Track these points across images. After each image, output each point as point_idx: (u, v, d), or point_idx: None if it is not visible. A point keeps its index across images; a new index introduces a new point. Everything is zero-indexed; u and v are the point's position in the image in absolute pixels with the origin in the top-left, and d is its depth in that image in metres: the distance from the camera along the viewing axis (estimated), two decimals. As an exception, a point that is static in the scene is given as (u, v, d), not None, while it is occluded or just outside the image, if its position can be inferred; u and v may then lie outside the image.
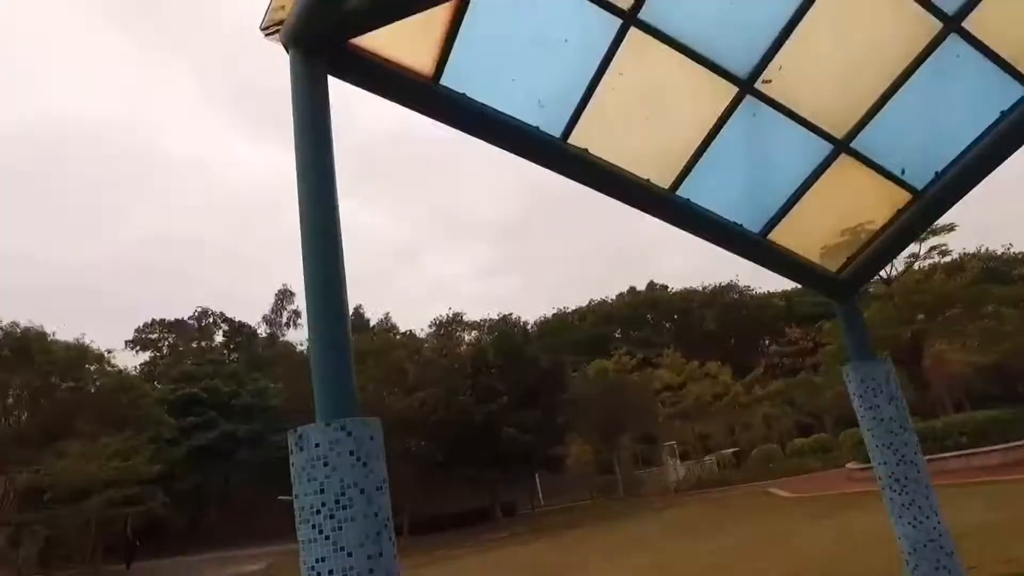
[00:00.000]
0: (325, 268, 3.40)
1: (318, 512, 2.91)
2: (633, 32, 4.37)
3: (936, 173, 5.34)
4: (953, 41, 4.62)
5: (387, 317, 51.84)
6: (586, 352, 56.87)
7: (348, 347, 3.31)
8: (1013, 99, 4.94)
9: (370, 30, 3.99)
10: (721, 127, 4.95)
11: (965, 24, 4.52)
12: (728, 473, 37.26)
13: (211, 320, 70.43)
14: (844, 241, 5.85)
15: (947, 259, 28.90)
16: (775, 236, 5.67)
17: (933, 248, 27.30)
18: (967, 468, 18.51)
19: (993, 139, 5.07)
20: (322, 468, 2.95)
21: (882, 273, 25.40)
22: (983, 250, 38.20)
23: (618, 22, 4.31)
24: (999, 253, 45.11)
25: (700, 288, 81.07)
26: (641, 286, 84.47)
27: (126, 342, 66.45)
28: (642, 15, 4.29)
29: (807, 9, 4.36)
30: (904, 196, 5.48)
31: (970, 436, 19.69)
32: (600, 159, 4.94)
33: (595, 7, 4.22)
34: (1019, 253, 45.72)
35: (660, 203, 5.29)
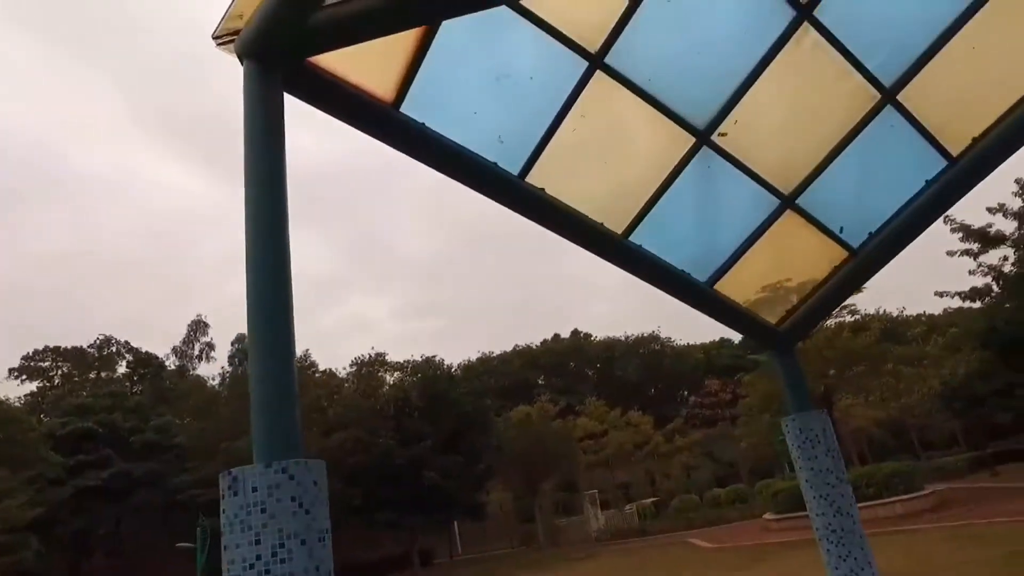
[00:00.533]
0: (273, 295, 3.13)
1: (251, 567, 2.58)
2: (599, 75, 4.39)
3: (870, 233, 5.60)
4: (889, 112, 4.90)
5: (306, 354, 49.91)
6: (510, 397, 56.63)
7: (293, 382, 3.02)
8: (936, 170, 5.27)
9: (331, 49, 3.83)
10: (677, 176, 5.02)
11: (900, 96, 4.81)
12: (648, 523, 37.43)
13: (114, 349, 65.80)
14: (785, 294, 6.02)
15: (853, 318, 30.78)
16: (720, 286, 5.76)
17: (843, 307, 28.98)
18: (874, 518, 19.29)
19: (919, 205, 5.37)
20: (259, 515, 2.63)
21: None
22: (881, 311, 40.96)
23: (585, 64, 4.33)
24: (894, 315, 48.57)
25: (623, 337, 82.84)
26: (565, 333, 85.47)
27: (10, 370, 60.86)
28: (609, 59, 4.32)
29: (764, 68, 4.53)
30: (841, 253, 5.70)
31: (876, 487, 20.60)
32: (556, 200, 4.89)
33: (563, 48, 4.22)
34: (911, 316, 49.30)
35: (612, 247, 5.28)
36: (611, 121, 4.74)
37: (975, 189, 5.38)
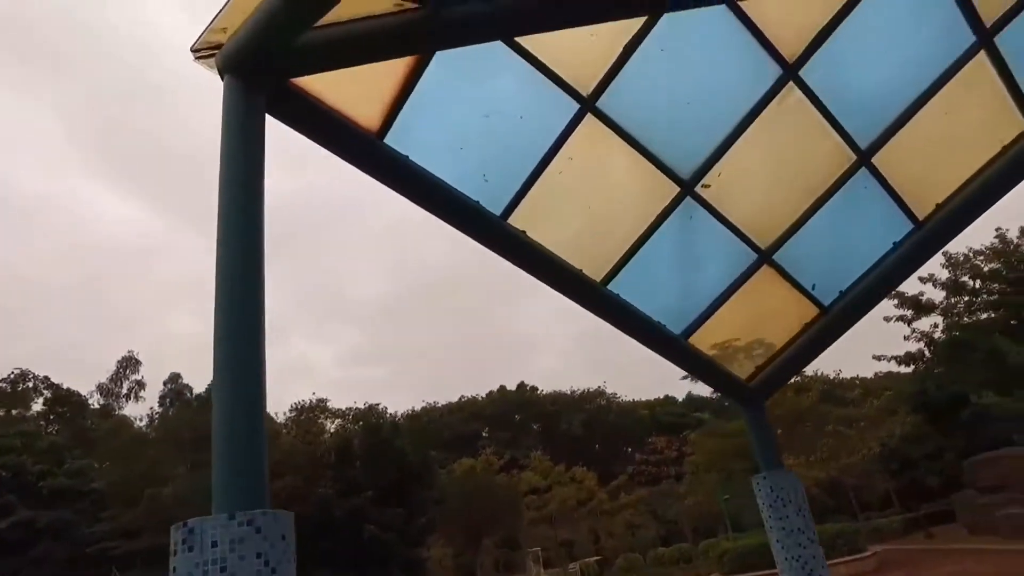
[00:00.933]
0: (245, 331, 2.85)
1: (206, 637, 2.22)
2: (589, 119, 4.35)
3: (840, 292, 5.67)
4: (863, 174, 5.02)
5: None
6: (454, 449, 55.29)
7: (262, 423, 2.71)
8: (903, 233, 5.41)
9: (319, 71, 3.67)
10: (659, 225, 4.98)
11: (874, 159, 4.94)
12: (591, 582, 36.50)
13: (31, 384, 61.46)
14: (757, 350, 6.00)
15: (795, 379, 31.54)
16: (695, 339, 5.70)
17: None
18: (818, 582, 19.26)
19: (887, 266, 5.48)
20: (217, 575, 2.29)
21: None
22: (819, 373, 42.25)
23: (576, 107, 4.28)
24: (831, 377, 50.10)
25: (569, 392, 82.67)
26: (512, 385, 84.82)
27: (-98, 407, 55.87)
28: (600, 103, 4.29)
29: (749, 123, 4.58)
30: (812, 311, 5.74)
31: (823, 547, 20.65)
32: (537, 243, 4.77)
33: (556, 88, 4.17)
34: (847, 379, 50.98)
35: (590, 295, 5.16)
36: (598, 166, 4.69)
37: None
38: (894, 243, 5.44)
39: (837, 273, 5.60)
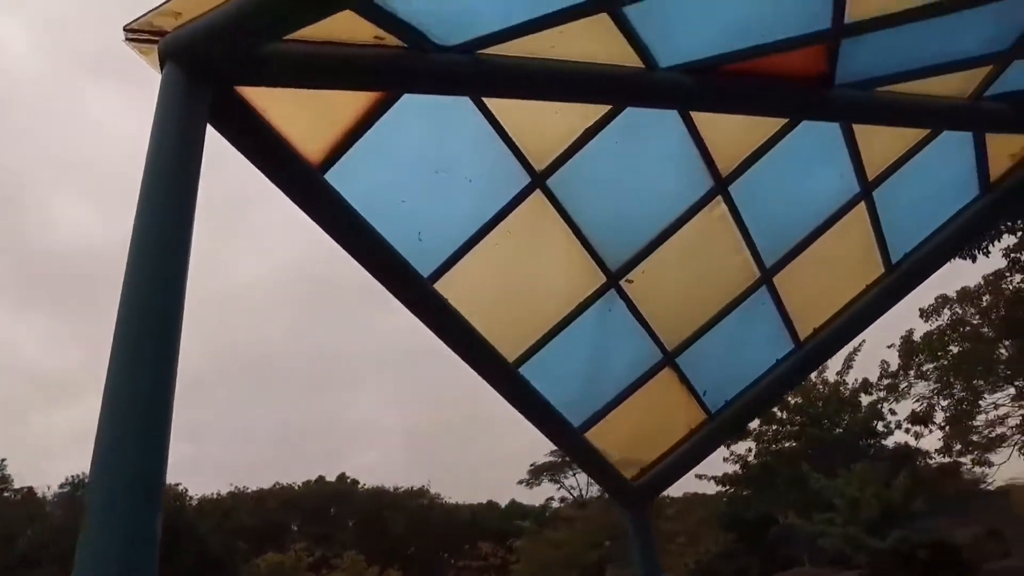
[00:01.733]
0: (150, 381, 2.29)
1: None
2: (537, 195, 4.29)
3: (726, 400, 5.92)
4: (763, 291, 5.41)
5: (1, 464, 39.71)
6: (262, 540, 49.84)
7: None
8: (785, 351, 5.84)
9: (275, 85, 3.31)
10: (580, 313, 4.94)
11: (775, 279, 5.35)
12: None
13: None
14: (645, 450, 6.02)
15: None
16: (592, 433, 5.60)
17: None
18: None
19: (769, 381, 5.85)
20: None
21: (578, 494, 27.30)
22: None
23: (527, 180, 4.22)
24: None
25: (391, 489, 78.85)
26: (332, 476, 79.33)
27: None
28: (551, 181, 4.26)
29: (679, 228, 4.78)
30: (700, 416, 5.91)
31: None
32: (459, 313, 4.52)
33: (512, 158, 4.09)
34: (666, 496, 53.75)
35: (500, 375, 4.94)
36: (534, 244, 4.61)
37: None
38: (777, 360, 5.83)
39: (726, 382, 5.86)
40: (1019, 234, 17.54)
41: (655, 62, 3.85)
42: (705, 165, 4.55)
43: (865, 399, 26.63)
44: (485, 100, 3.81)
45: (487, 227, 4.33)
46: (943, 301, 23.57)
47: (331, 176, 3.72)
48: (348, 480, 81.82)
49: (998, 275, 21.62)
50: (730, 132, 4.41)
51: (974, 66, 4.32)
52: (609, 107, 4.05)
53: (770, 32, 3.65)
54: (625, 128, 4.19)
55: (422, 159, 4.03)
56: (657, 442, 6.01)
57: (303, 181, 3.65)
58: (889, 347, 25.70)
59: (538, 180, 4.24)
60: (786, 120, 4.44)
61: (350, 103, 3.58)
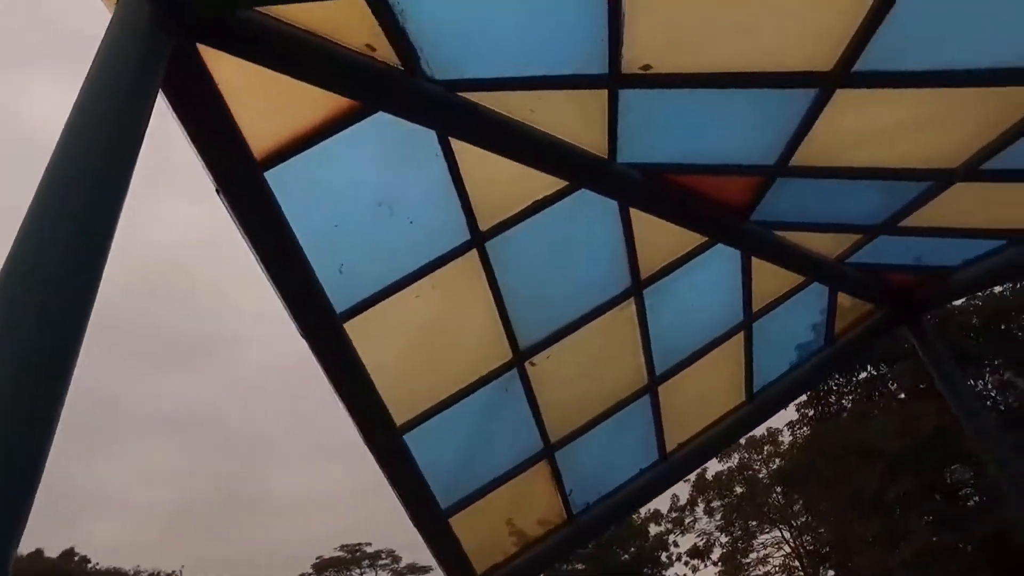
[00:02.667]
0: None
1: None
2: (472, 254, 4.13)
3: (588, 503, 5.85)
4: (647, 399, 5.57)
5: None
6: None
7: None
8: (650, 461, 5.99)
9: (243, 56, 2.93)
10: (478, 387, 4.70)
11: (660, 388, 5.55)
12: None
13: None
14: (500, 545, 5.69)
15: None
16: (456, 519, 5.20)
17: None
18: None
19: (631, 490, 5.91)
20: None
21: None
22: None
23: (467, 237, 4.05)
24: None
25: (131, 571, 67.38)
26: (55, 550, 66.20)
27: None
28: (490, 244, 4.13)
29: (590, 320, 4.82)
30: (561, 517, 5.76)
31: None
32: (359, 359, 4.10)
33: (459, 210, 3.93)
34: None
35: (382, 437, 4.50)
36: (455, 305, 4.38)
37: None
38: (640, 469, 5.94)
39: (592, 485, 5.82)
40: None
41: (616, 153, 4.00)
42: (628, 264, 4.72)
43: (654, 529, 28.15)
44: (452, 144, 3.66)
45: (414, 276, 4.05)
46: (736, 445, 26.29)
47: (271, 176, 3.30)
48: (77, 557, 68.98)
49: (790, 425, 24.72)
50: (658, 238, 4.64)
51: (852, 232, 5.02)
52: (563, 185, 4.09)
53: (725, 155, 3.98)
54: (571, 209, 4.24)
55: (368, 187, 3.73)
56: (514, 539, 5.73)
57: (239, 170, 3.19)
58: (685, 480, 27.76)
59: (478, 240, 4.09)
60: (706, 239, 4.79)
61: (315, 105, 3.25)
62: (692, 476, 27.69)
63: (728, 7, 2.80)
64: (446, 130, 3.56)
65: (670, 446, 5.93)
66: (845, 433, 20.74)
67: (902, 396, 20.65)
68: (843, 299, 5.92)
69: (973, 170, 3.79)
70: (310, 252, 3.59)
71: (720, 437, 6.14)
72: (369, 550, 39.11)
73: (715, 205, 4.53)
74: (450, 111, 3.44)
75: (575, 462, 5.56)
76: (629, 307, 4.94)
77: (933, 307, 5.87)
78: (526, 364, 4.79)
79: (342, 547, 38.88)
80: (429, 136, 3.61)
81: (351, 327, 3.96)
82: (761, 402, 6.12)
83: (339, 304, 3.86)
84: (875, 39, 2.74)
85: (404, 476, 4.65)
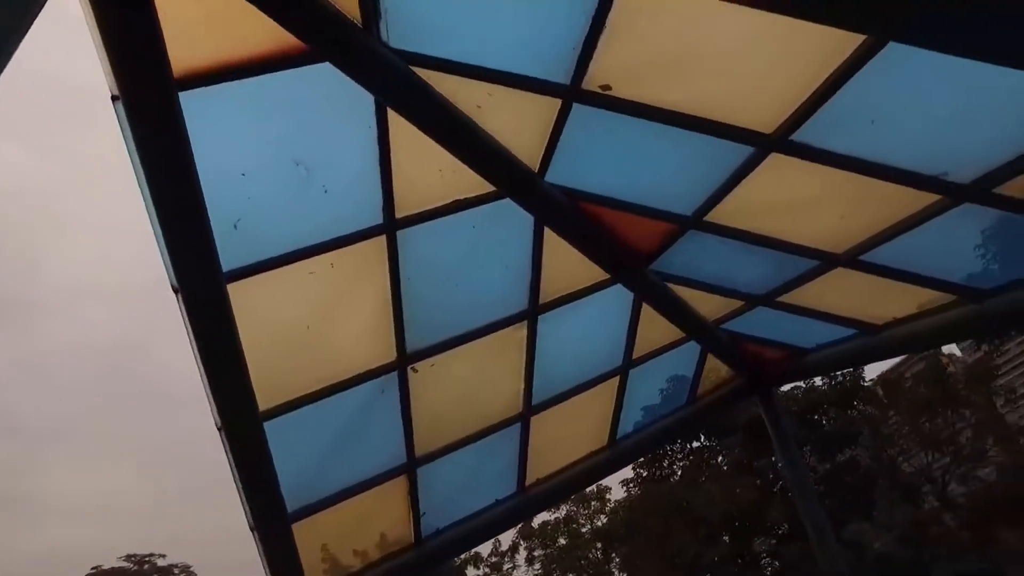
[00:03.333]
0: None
1: None
2: (380, 240, 3.90)
3: (437, 528, 5.62)
4: (518, 427, 5.50)
5: None
6: None
7: None
8: (507, 493, 5.89)
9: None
10: (353, 384, 4.39)
11: (533, 418, 5.50)
12: None
13: None
14: (341, 560, 5.27)
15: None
16: (300, 526, 4.75)
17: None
18: None
19: (484, 519, 5.76)
20: None
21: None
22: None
23: (379, 221, 3.82)
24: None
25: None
26: None
27: None
28: (401, 233, 3.93)
29: (484, 334, 4.71)
30: (409, 538, 5.47)
31: None
32: (235, 328, 3.67)
33: (379, 189, 3.71)
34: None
35: (240, 419, 4.01)
36: (350, 290, 4.09)
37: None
38: (496, 499, 5.82)
39: (447, 509, 5.60)
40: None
41: (547, 170, 4.00)
42: (531, 285, 4.69)
43: (472, 572, 27.82)
44: (389, 118, 3.47)
45: (314, 249, 3.74)
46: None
47: (186, 98, 2.91)
48: None
49: (624, 482, 25.63)
50: (565, 265, 4.67)
51: (736, 298, 5.36)
52: (489, 191, 4.01)
53: (649, 196, 4.11)
54: (490, 216, 4.16)
55: (290, 141, 3.41)
56: (357, 557, 5.34)
57: (150, 80, 2.77)
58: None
59: (390, 226, 3.88)
60: (607, 277, 4.89)
61: (257, 34, 2.95)
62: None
63: (704, 52, 2.91)
64: (388, 100, 3.36)
65: (530, 479, 5.87)
66: (675, 496, 22.04)
67: (725, 468, 22.38)
68: (712, 361, 6.28)
69: (853, 259, 4.20)
70: (208, 195, 3.18)
71: (577, 478, 6.19)
72: (161, 563, 35.05)
73: (624, 246, 4.65)
74: (398, 82, 3.26)
75: (434, 482, 5.33)
76: (522, 330, 4.89)
77: (785, 383, 6.39)
78: (409, 369, 4.56)
79: (128, 557, 34.53)
80: (367, 104, 3.40)
81: (235, 290, 3.55)
82: (620, 449, 6.27)
83: (227, 261, 3.45)
84: (818, 113, 2.97)
85: (254, 467, 4.17)
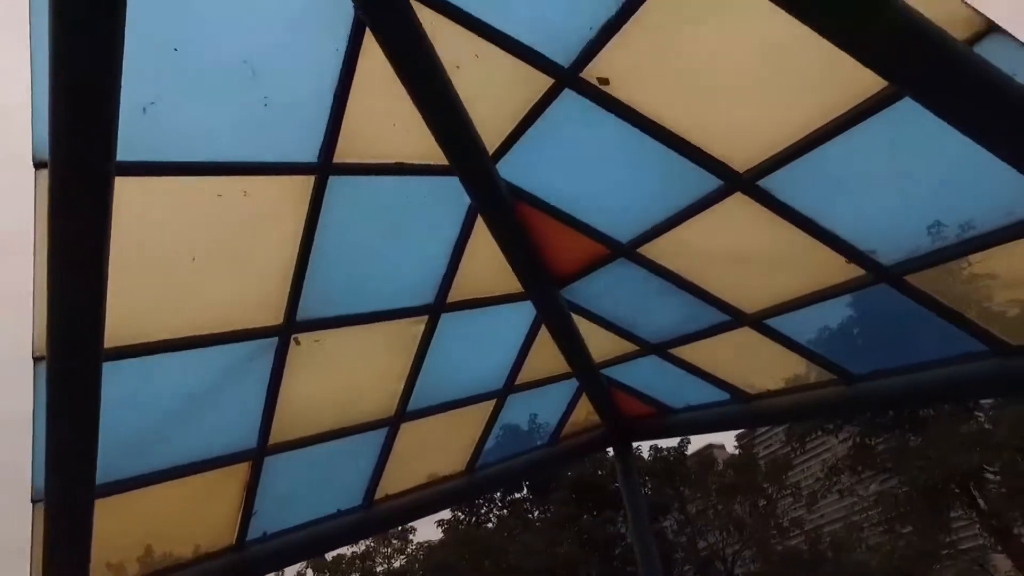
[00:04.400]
0: None
1: None
2: (307, 179, 3.44)
3: (266, 533, 4.90)
4: (384, 431, 5.01)
5: None
6: None
7: None
8: (352, 504, 5.31)
9: None
10: (223, 343, 3.75)
11: (402, 425, 5.05)
12: None
13: None
14: (141, 555, 4.38)
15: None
16: (106, 503, 3.85)
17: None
18: None
19: (320, 530, 5.09)
20: None
21: None
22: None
23: (313, 159, 3.36)
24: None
25: None
26: None
27: None
28: (332, 180, 3.47)
29: (379, 320, 4.29)
30: (229, 540, 4.70)
31: None
32: (106, 230, 2.95)
33: (324, 121, 3.27)
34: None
35: (78, 354, 3.17)
36: (257, 228, 3.52)
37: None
38: (339, 509, 5.24)
39: (282, 511, 4.92)
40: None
41: (502, 157, 3.79)
42: (442, 280, 4.38)
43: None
44: (362, 45, 3.08)
45: (230, 168, 3.19)
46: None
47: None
48: None
49: (440, 523, 24.70)
50: (484, 269, 4.42)
51: (632, 341, 5.38)
52: (437, 163, 3.71)
53: (593, 215, 4.03)
54: (429, 190, 3.85)
55: (245, 33, 2.89)
56: (162, 553, 4.47)
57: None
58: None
59: (323, 168, 3.42)
60: (520, 291, 4.70)
61: None
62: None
63: (708, 76, 2.92)
64: (369, 18, 2.97)
65: (380, 493, 5.36)
66: (492, 543, 21.63)
67: (538, 524, 22.51)
68: (584, 404, 6.26)
69: (759, 321, 4.39)
70: (128, 61, 2.57)
71: (428, 501, 5.77)
72: None
73: (547, 260, 4.52)
74: (389, 3, 2.92)
75: (277, 478, 4.66)
76: (419, 325, 4.52)
77: (645, 439, 6.51)
78: (292, 338, 4.00)
79: None
80: (344, 22, 3.00)
81: (121, 187, 2.87)
82: (476, 478, 5.97)
83: (122, 150, 2.79)
84: (793, 164, 3.08)
85: (74, 415, 3.33)
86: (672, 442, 24.30)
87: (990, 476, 17.87)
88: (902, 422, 18.40)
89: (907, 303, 3.70)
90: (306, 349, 4.11)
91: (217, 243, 3.46)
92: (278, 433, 4.39)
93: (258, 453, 4.36)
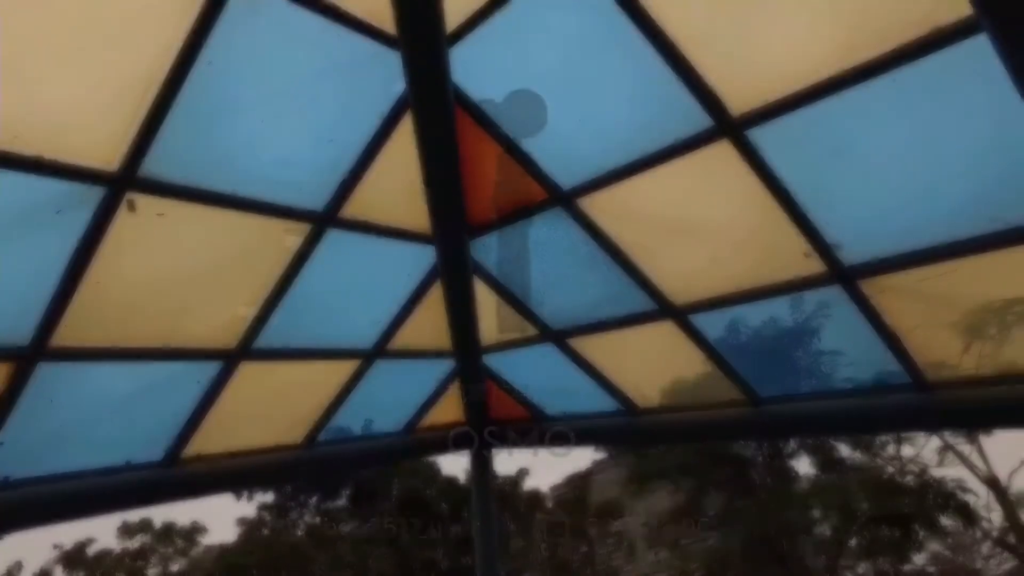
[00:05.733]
0: None
1: None
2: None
3: (7, 478, 3.59)
4: (210, 368, 3.96)
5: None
6: None
7: None
8: (148, 458, 4.12)
9: None
10: (43, 174, 2.62)
11: (240, 365, 4.01)
12: None
13: None
14: None
15: None
16: None
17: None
18: None
19: (95, 485, 3.89)
20: None
21: None
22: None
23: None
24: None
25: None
26: None
27: None
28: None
29: (238, 208, 3.31)
30: None
31: None
32: None
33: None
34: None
35: None
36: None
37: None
38: (129, 462, 4.03)
39: (44, 451, 3.65)
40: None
41: (454, 50, 3.09)
42: (340, 184, 3.50)
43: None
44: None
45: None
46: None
47: None
48: None
49: (241, 520, 21.95)
50: (392, 184, 3.62)
51: (530, 320, 4.78)
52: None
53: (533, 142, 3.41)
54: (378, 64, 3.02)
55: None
56: None
57: None
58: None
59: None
60: (427, 229, 3.94)
61: None
62: (69, 546, 21.97)
63: None
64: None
65: (189, 451, 4.21)
66: (299, 551, 19.43)
67: (344, 535, 20.60)
68: (451, 393, 5.52)
69: (684, 314, 3.97)
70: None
71: (249, 472, 4.69)
72: None
73: (467, 196, 3.82)
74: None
75: (49, 399, 3.43)
76: (297, 235, 3.57)
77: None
78: (126, 198, 2.92)
79: None
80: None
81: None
82: (312, 455, 4.97)
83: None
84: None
85: None
86: (511, 469, 23.60)
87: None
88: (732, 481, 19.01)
89: (846, 317, 3.44)
90: (144, 219, 3.04)
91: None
92: (66, 332, 3.20)
93: (31, 351, 3.14)
